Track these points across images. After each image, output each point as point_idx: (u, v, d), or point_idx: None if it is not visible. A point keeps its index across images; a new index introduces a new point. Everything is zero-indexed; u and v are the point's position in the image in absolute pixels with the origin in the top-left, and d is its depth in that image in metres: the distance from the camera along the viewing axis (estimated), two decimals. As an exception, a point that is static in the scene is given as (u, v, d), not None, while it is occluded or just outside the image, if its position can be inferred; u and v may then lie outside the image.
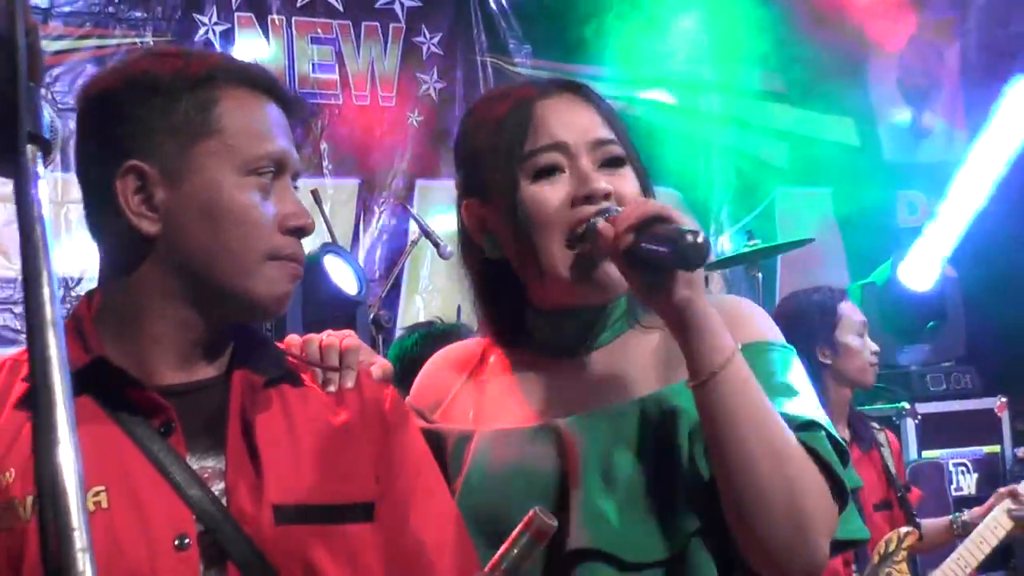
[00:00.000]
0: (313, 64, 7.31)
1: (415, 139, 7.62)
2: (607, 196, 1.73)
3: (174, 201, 1.60)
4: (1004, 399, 6.44)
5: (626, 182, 1.79)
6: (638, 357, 1.81)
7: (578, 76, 8.11)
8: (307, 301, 4.82)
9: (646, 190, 1.82)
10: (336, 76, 7.40)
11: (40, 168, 0.96)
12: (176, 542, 1.50)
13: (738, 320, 1.76)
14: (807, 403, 1.74)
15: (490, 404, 1.86)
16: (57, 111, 6.55)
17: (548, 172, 1.76)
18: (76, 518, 0.89)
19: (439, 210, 7.56)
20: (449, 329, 4.24)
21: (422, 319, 6.75)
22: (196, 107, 1.61)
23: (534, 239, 1.74)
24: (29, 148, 0.95)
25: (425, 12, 7.70)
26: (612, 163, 1.79)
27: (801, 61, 8.30)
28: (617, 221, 1.66)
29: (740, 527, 1.65)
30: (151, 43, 6.81)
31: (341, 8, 7.45)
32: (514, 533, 1.49)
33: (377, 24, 7.56)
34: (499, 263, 1.83)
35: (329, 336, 1.77)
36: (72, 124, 6.71)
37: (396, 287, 7.17)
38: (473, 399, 1.89)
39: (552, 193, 1.74)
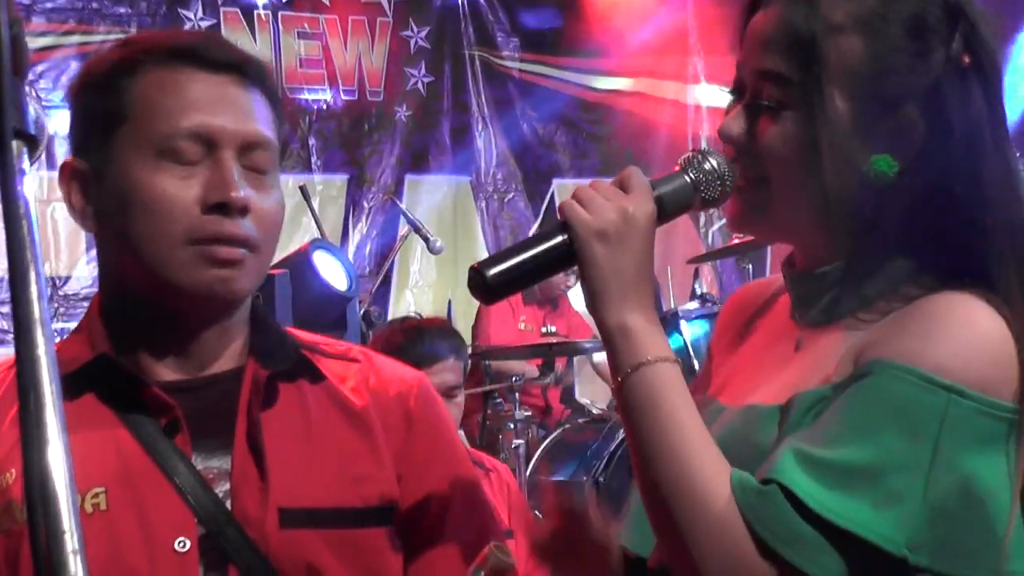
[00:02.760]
0: (300, 59, 7.30)
1: (404, 134, 7.61)
2: (729, 139, 1.48)
3: (101, 195, 1.54)
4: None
5: (768, 130, 1.46)
6: (833, 349, 1.45)
7: (566, 69, 8.13)
8: (297, 297, 4.79)
9: (817, 143, 1.42)
10: (323, 71, 7.38)
11: (26, 164, 0.94)
12: (176, 545, 1.46)
13: (911, 327, 1.38)
14: (823, 453, 1.32)
15: (740, 358, 1.63)
16: (41, 108, 6.52)
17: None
18: (67, 520, 0.87)
19: (429, 204, 7.56)
20: (427, 323, 4.22)
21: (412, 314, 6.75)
22: (115, 96, 1.53)
23: None
24: (14, 144, 0.93)
25: (412, 6, 7.70)
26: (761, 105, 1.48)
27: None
28: None
29: None
30: (136, 40, 6.80)
31: (327, 3, 7.44)
32: (470, 568, 1.44)
33: (364, 19, 7.55)
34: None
35: None
36: (57, 121, 6.72)
37: (386, 282, 7.16)
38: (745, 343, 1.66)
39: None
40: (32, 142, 0.95)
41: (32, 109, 0.97)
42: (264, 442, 1.53)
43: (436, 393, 1.73)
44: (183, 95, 1.53)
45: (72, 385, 1.52)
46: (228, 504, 1.50)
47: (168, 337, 1.57)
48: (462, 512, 1.66)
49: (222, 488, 1.51)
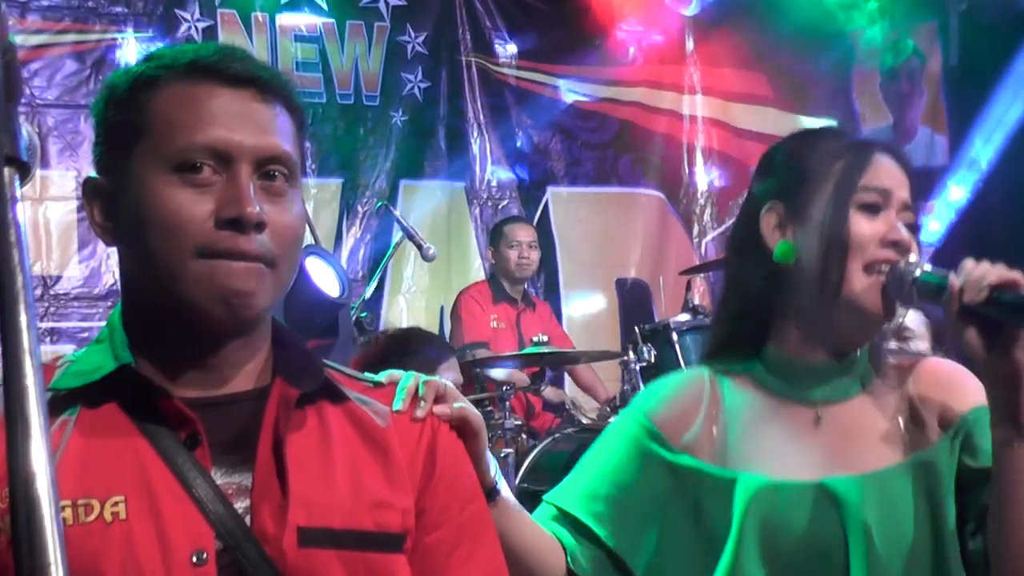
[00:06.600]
0: (297, 62, 7.29)
1: (399, 139, 7.60)
2: (907, 250, 1.97)
3: (120, 211, 1.56)
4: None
5: (916, 246, 2.01)
6: (886, 416, 2.02)
7: (563, 78, 8.12)
8: (288, 303, 4.75)
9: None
10: (320, 75, 7.37)
11: (17, 191, 0.93)
12: (193, 558, 1.45)
13: (964, 383, 2.01)
14: None
15: (738, 445, 2.03)
16: (35, 106, 6.50)
17: (871, 209, 2.00)
18: (52, 552, 0.86)
19: (423, 210, 7.55)
20: (403, 334, 4.19)
21: (405, 320, 6.73)
22: (136, 111, 1.54)
23: (843, 258, 1.97)
24: (6, 171, 0.92)
25: (410, 11, 7.69)
26: (910, 227, 2.01)
27: (785, 65, 8.31)
28: (974, 277, 1.84)
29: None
30: (132, 39, 6.77)
31: (325, 6, 7.43)
32: None
33: (362, 23, 7.54)
34: (777, 272, 2.03)
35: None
36: (50, 120, 6.67)
37: (379, 288, 7.14)
38: (715, 435, 2.05)
39: (870, 226, 1.98)
40: (24, 168, 0.94)
41: (25, 133, 0.96)
42: (287, 460, 1.53)
43: (454, 435, 1.73)
44: (201, 110, 1.53)
45: (95, 394, 1.53)
46: (247, 520, 1.50)
47: (188, 352, 1.57)
48: (475, 547, 1.67)
49: (241, 504, 1.51)
